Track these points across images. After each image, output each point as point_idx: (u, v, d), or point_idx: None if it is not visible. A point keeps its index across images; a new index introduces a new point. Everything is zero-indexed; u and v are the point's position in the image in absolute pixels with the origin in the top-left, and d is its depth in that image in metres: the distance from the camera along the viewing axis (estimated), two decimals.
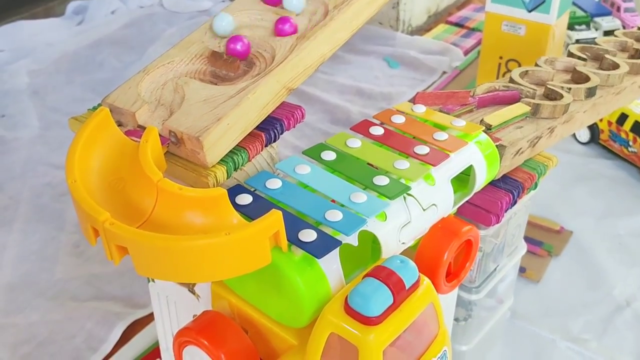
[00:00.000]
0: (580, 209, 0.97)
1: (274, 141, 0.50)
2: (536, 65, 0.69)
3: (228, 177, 0.47)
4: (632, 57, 0.73)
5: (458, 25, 1.52)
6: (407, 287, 0.40)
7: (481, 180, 0.53)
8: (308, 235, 0.41)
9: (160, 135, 0.45)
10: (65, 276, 0.85)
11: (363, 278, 0.40)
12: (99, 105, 0.50)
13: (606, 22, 1.31)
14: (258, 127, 0.49)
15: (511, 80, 0.65)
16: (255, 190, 0.46)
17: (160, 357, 0.71)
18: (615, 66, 0.68)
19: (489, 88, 0.63)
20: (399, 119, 0.55)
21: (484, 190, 0.55)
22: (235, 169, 0.47)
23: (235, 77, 0.51)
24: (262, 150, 0.49)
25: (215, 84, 0.50)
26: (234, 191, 0.45)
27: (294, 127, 0.51)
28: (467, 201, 0.54)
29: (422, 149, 0.50)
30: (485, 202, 0.55)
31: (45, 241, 0.90)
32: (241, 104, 0.47)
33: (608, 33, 1.27)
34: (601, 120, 1.05)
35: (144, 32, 1.51)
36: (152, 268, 0.38)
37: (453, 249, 0.49)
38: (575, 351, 0.76)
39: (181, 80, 0.50)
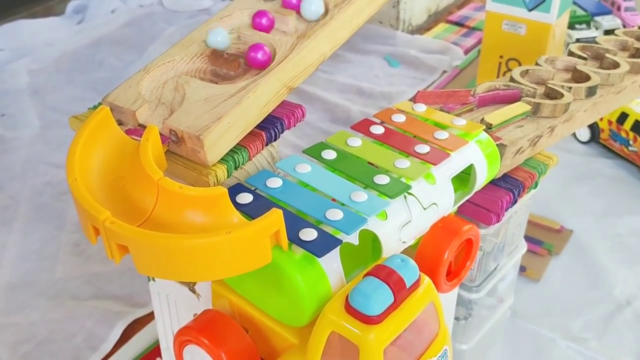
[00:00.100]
0: (581, 208, 0.97)
1: (275, 140, 0.50)
2: (536, 64, 0.69)
3: (228, 176, 0.47)
4: (632, 56, 0.73)
5: (458, 24, 1.52)
6: (407, 286, 0.40)
7: (482, 179, 0.53)
8: (308, 234, 0.41)
9: (160, 134, 0.45)
10: (65, 275, 0.85)
11: (364, 277, 0.40)
12: (100, 104, 0.50)
13: (606, 21, 1.31)
14: (258, 126, 0.49)
15: (512, 79, 0.65)
16: (255, 189, 0.46)
17: (160, 356, 0.71)
18: (616, 65, 0.68)
19: (490, 87, 0.63)
20: (399, 118, 0.55)
21: (484, 189, 0.55)
22: (236, 168, 0.47)
23: (236, 76, 0.51)
24: (262, 149, 0.49)
25: (216, 83, 0.50)
26: (235, 190, 0.45)
27: (294, 126, 0.51)
28: (467, 200, 0.54)
29: (423, 148, 0.50)
30: (486, 201, 0.55)
31: (46, 240, 0.90)
32: (242, 103, 0.47)
33: (608, 32, 1.27)
34: (601, 119, 1.05)
35: (144, 31, 1.51)
36: (152, 267, 0.38)
37: (453, 248, 0.49)
38: (576, 350, 0.76)
39: (182, 79, 0.50)
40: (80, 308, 0.80)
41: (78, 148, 0.42)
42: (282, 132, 0.50)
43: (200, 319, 0.44)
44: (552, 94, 0.63)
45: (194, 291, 0.51)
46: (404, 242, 0.47)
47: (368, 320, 0.38)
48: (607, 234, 0.92)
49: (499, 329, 0.73)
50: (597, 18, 1.32)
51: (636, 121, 1.00)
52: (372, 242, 0.48)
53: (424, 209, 0.48)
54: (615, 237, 0.92)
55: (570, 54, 0.72)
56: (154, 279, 0.56)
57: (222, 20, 0.55)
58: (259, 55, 0.50)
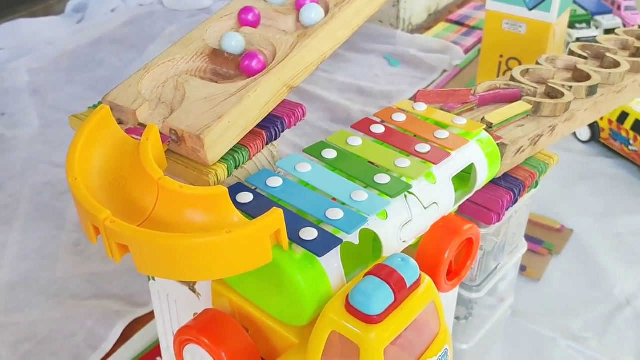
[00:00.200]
0: (581, 208, 0.97)
1: (275, 139, 0.50)
2: (537, 63, 0.68)
3: (229, 175, 0.47)
4: (632, 55, 0.73)
5: (458, 23, 1.52)
6: (408, 286, 0.40)
7: (482, 178, 0.53)
8: (309, 234, 0.41)
9: (160, 133, 0.45)
10: (65, 274, 0.84)
11: (364, 276, 0.40)
12: (100, 103, 0.50)
13: (607, 21, 1.31)
14: (259, 125, 0.49)
15: (512, 79, 0.65)
16: (256, 188, 0.46)
17: (160, 356, 0.71)
18: (616, 64, 0.68)
19: (490, 86, 0.63)
20: (399, 117, 0.54)
21: (485, 189, 0.55)
22: (236, 167, 0.47)
23: (236, 75, 0.51)
24: (263, 148, 0.49)
25: (216, 82, 0.50)
26: (235, 189, 0.45)
27: (294, 125, 0.51)
28: (468, 199, 0.54)
29: (423, 147, 0.50)
30: (486, 201, 0.55)
31: (46, 240, 0.90)
32: (242, 102, 0.47)
33: (608, 31, 1.27)
34: (602, 118, 1.05)
35: (143, 30, 1.51)
36: (152, 266, 0.38)
37: (454, 248, 0.49)
38: (576, 350, 0.76)
39: (182, 78, 0.50)
40: (80, 307, 0.80)
41: (78, 147, 0.42)
42: (282, 131, 0.50)
43: (201, 318, 0.44)
44: (553, 93, 0.63)
45: (194, 290, 0.51)
46: (404, 241, 0.47)
47: (369, 319, 0.38)
48: (607, 233, 0.92)
49: (499, 328, 0.73)
50: (597, 17, 1.32)
51: (636, 120, 1.00)
52: (372, 241, 0.47)
53: (425, 208, 0.48)
54: (615, 237, 0.92)
55: (571, 53, 0.72)
56: (154, 278, 0.56)
57: (222, 19, 0.55)
58: (254, 64, 0.50)
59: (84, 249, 0.88)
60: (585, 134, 1.10)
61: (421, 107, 0.56)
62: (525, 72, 0.66)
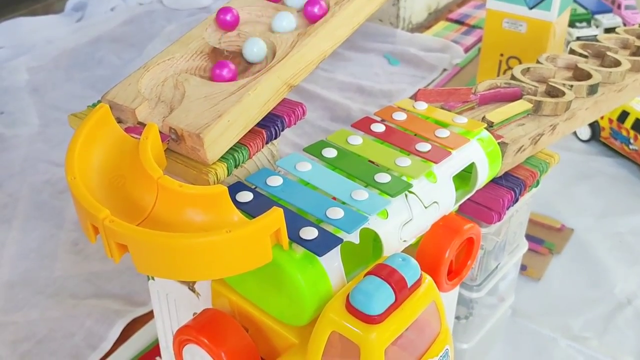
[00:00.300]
0: (581, 207, 0.97)
1: (275, 138, 0.50)
2: (538, 62, 0.68)
3: (228, 174, 0.46)
4: (633, 54, 0.73)
5: (458, 22, 1.52)
6: (409, 286, 0.39)
7: (483, 177, 0.53)
8: (309, 233, 0.41)
9: (160, 132, 0.45)
10: (64, 274, 0.84)
11: (364, 276, 0.40)
12: (99, 102, 0.50)
13: (607, 20, 1.31)
14: (259, 124, 0.49)
15: (513, 78, 0.65)
16: (256, 187, 0.46)
17: (159, 356, 0.70)
18: (617, 63, 0.68)
19: (491, 85, 0.63)
20: (400, 116, 0.54)
21: (485, 188, 0.55)
22: (236, 166, 0.47)
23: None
24: (262, 147, 0.49)
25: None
26: (235, 188, 0.45)
27: (294, 124, 0.51)
28: (468, 199, 0.54)
29: (424, 146, 0.50)
30: (487, 200, 0.55)
31: (45, 239, 0.90)
32: (242, 101, 0.47)
33: (609, 30, 1.27)
34: (602, 117, 1.05)
35: (143, 29, 1.51)
36: (152, 266, 0.38)
37: (454, 247, 0.49)
38: (576, 349, 0.76)
39: (181, 76, 0.50)
40: (79, 307, 0.80)
41: (77, 146, 0.42)
42: (282, 130, 0.50)
43: (200, 318, 0.44)
44: (554, 92, 0.62)
45: (193, 290, 0.50)
46: (404, 240, 0.47)
47: (369, 319, 0.37)
48: (607, 232, 0.92)
49: (499, 328, 0.73)
50: (597, 16, 1.32)
51: (637, 119, 1.00)
52: (372, 240, 0.47)
53: (425, 207, 0.48)
54: (616, 236, 0.92)
55: (571, 52, 0.72)
56: (153, 278, 0.56)
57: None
58: (225, 73, 0.50)
59: (83, 248, 0.88)
60: (585, 133, 1.09)
61: (422, 106, 0.56)
62: (525, 71, 0.66)
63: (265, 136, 0.49)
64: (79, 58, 1.39)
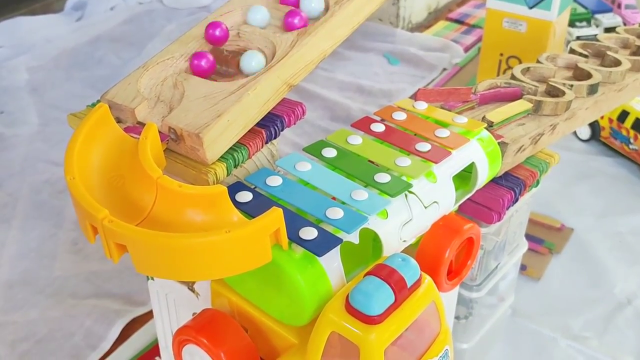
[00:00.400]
0: (581, 207, 0.96)
1: (275, 138, 0.50)
2: (538, 62, 0.68)
3: (228, 174, 0.46)
4: (633, 53, 0.73)
5: (458, 21, 1.52)
6: (408, 286, 0.39)
7: (483, 177, 0.53)
8: (309, 233, 0.41)
9: (159, 131, 0.45)
10: (64, 273, 0.84)
11: (364, 276, 0.40)
12: (98, 101, 0.50)
13: (607, 19, 1.31)
14: (258, 124, 0.49)
15: (513, 77, 0.64)
16: (255, 187, 0.46)
17: (159, 355, 0.70)
18: (617, 63, 0.68)
19: (491, 85, 0.63)
20: (400, 116, 0.54)
21: (485, 188, 0.55)
22: (236, 166, 0.47)
23: (236, 73, 0.51)
24: (262, 147, 0.49)
25: (215, 80, 0.50)
26: (234, 188, 0.45)
27: (294, 123, 0.51)
28: (468, 199, 0.54)
29: (424, 146, 0.50)
30: (487, 200, 0.54)
31: (44, 238, 0.90)
32: (241, 101, 0.46)
33: (609, 30, 1.26)
34: (602, 117, 1.05)
35: (143, 28, 1.51)
36: (151, 266, 0.38)
37: (454, 247, 0.49)
38: (576, 349, 0.76)
39: (181, 76, 0.50)
40: (79, 306, 0.79)
41: (76, 146, 0.42)
42: (282, 130, 0.50)
43: (200, 318, 0.44)
44: (554, 92, 0.62)
45: (193, 290, 0.50)
46: (404, 240, 0.47)
47: (369, 320, 0.37)
48: (607, 232, 0.92)
49: (499, 328, 0.73)
50: (597, 16, 1.32)
51: (637, 119, 0.99)
52: (372, 240, 0.47)
53: (425, 207, 0.48)
54: (615, 236, 0.91)
55: (572, 51, 0.72)
56: (152, 278, 0.56)
57: (222, 17, 0.55)
58: (203, 63, 0.50)
59: (83, 248, 0.88)
60: (585, 132, 1.09)
61: (422, 106, 0.56)
62: (525, 71, 0.66)
63: (264, 136, 0.49)
64: (78, 57, 1.39)
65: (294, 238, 0.41)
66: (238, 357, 0.42)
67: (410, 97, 0.59)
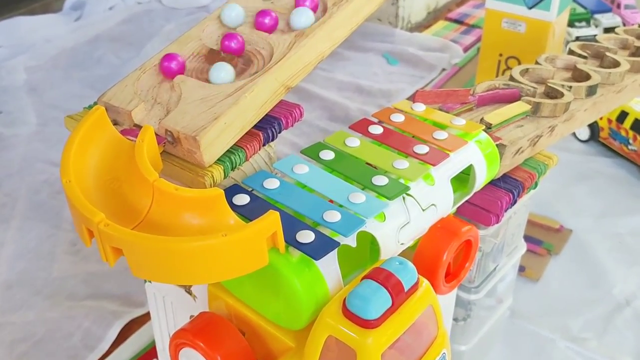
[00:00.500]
0: (580, 208, 0.96)
1: (272, 140, 0.49)
2: (536, 63, 0.68)
3: (225, 176, 0.46)
4: (632, 54, 0.72)
5: (458, 21, 1.52)
6: (405, 290, 0.39)
7: (481, 179, 0.53)
8: (306, 237, 0.41)
9: (156, 134, 0.45)
10: (62, 274, 0.84)
11: (361, 280, 0.40)
12: (95, 103, 0.50)
13: (606, 19, 1.30)
14: (256, 126, 0.49)
15: (511, 79, 0.64)
16: (252, 190, 0.46)
17: (157, 357, 0.70)
18: (616, 64, 0.68)
19: (489, 86, 0.63)
20: (398, 118, 0.54)
21: (483, 190, 0.55)
22: (233, 169, 0.47)
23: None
24: (259, 149, 0.49)
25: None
26: (231, 191, 0.45)
27: (292, 126, 0.51)
28: (466, 201, 0.54)
29: (422, 149, 0.50)
30: (485, 202, 0.54)
31: (42, 239, 0.90)
32: (239, 103, 0.46)
33: (608, 30, 1.26)
34: (601, 118, 1.05)
35: (142, 28, 1.51)
36: (147, 270, 0.38)
37: (452, 249, 0.49)
38: (575, 350, 0.76)
39: (178, 78, 0.49)
40: (77, 307, 0.79)
41: (72, 149, 0.41)
42: (279, 132, 0.50)
43: (196, 321, 0.44)
44: (552, 93, 0.62)
45: (190, 293, 0.50)
46: (402, 243, 0.47)
47: (366, 324, 0.37)
48: (606, 233, 0.92)
49: (498, 329, 0.73)
50: (597, 16, 1.32)
51: (636, 120, 0.99)
52: (370, 243, 0.47)
53: (423, 210, 0.48)
54: (614, 237, 0.91)
55: (571, 52, 0.71)
56: (150, 280, 0.55)
57: (220, 18, 0.55)
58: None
59: (81, 249, 0.88)
60: (584, 133, 1.09)
61: (420, 108, 0.56)
62: (524, 72, 0.66)
63: (262, 138, 0.48)
64: (77, 57, 1.39)
65: (291, 241, 0.40)
66: None
67: (409, 99, 0.59)
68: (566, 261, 0.87)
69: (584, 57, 0.70)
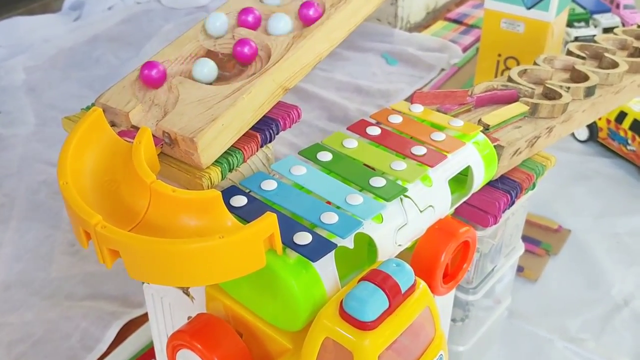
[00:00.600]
0: (579, 208, 0.96)
1: (270, 141, 0.49)
2: (535, 63, 0.68)
3: (223, 178, 0.46)
4: (631, 55, 0.72)
5: (457, 21, 1.52)
6: (403, 291, 0.39)
7: (479, 181, 0.53)
8: (303, 238, 0.41)
9: (154, 135, 0.45)
10: (60, 275, 0.84)
11: (358, 282, 0.40)
12: (93, 104, 0.50)
13: (605, 20, 1.30)
14: (253, 128, 0.49)
15: (509, 79, 0.64)
16: (250, 191, 0.46)
17: (155, 358, 0.70)
18: (615, 65, 0.68)
19: (487, 87, 0.63)
20: (396, 119, 0.54)
21: (481, 191, 0.55)
22: (230, 170, 0.47)
23: (231, 77, 0.51)
24: (257, 150, 0.49)
25: (210, 84, 0.50)
26: (229, 192, 0.45)
27: (289, 127, 0.51)
28: (464, 202, 0.54)
29: (420, 150, 0.50)
30: (483, 203, 0.54)
31: (41, 239, 0.90)
32: (236, 104, 0.46)
33: (607, 30, 1.26)
34: (600, 118, 1.05)
35: (141, 28, 1.50)
36: (144, 272, 0.38)
37: (450, 251, 0.49)
38: (573, 351, 0.76)
39: (175, 79, 0.49)
40: (75, 308, 0.79)
41: (70, 150, 0.41)
42: (277, 134, 0.50)
43: (194, 323, 0.44)
44: (551, 94, 0.62)
45: (188, 294, 0.50)
46: (400, 245, 0.47)
47: (362, 326, 0.37)
48: (605, 233, 0.92)
49: (496, 330, 0.73)
50: (596, 16, 1.32)
51: (635, 120, 0.99)
52: (367, 245, 0.47)
53: (421, 211, 0.48)
54: (613, 237, 0.91)
55: (569, 53, 0.71)
56: None
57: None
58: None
59: (79, 249, 0.88)
60: (583, 133, 1.09)
61: (417, 109, 0.56)
62: (522, 73, 0.66)
63: (259, 140, 0.48)
64: (76, 57, 1.39)
65: (289, 243, 0.40)
66: None
67: (407, 99, 0.59)
68: (565, 261, 0.87)
69: (583, 58, 0.70)
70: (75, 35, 1.46)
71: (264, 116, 0.49)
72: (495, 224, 0.55)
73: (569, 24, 1.26)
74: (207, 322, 0.44)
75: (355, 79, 1.28)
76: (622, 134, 1.02)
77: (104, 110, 0.46)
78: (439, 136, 0.52)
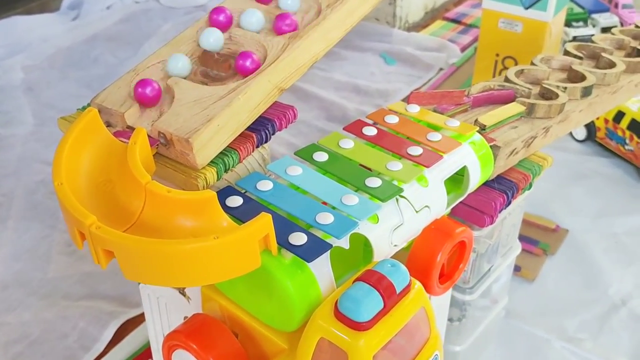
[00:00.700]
0: (576, 208, 0.96)
1: (266, 142, 0.49)
2: (532, 63, 0.68)
3: (218, 178, 0.46)
4: (628, 55, 0.72)
5: (455, 21, 1.52)
6: (397, 292, 0.39)
7: (475, 181, 0.53)
8: (298, 239, 0.41)
9: (149, 136, 0.45)
10: (58, 275, 0.84)
11: (353, 282, 0.40)
12: (89, 105, 0.50)
13: (604, 19, 1.30)
14: (249, 128, 0.49)
15: (506, 80, 0.64)
16: (245, 192, 0.46)
17: (152, 358, 0.70)
18: (612, 65, 0.68)
19: (484, 87, 0.63)
20: (392, 119, 0.54)
21: (477, 191, 0.55)
22: (226, 171, 0.47)
23: (227, 77, 0.51)
24: (253, 151, 0.49)
25: (206, 84, 0.50)
26: (224, 193, 0.45)
27: (285, 127, 0.51)
28: (461, 202, 0.54)
29: (416, 150, 0.50)
30: (479, 203, 0.54)
31: (38, 239, 0.90)
32: (232, 105, 0.46)
33: (605, 30, 1.26)
34: (597, 118, 1.05)
35: (139, 27, 1.50)
36: (139, 273, 0.38)
37: (446, 251, 0.49)
38: (570, 351, 0.76)
39: (171, 80, 0.49)
40: (72, 308, 0.79)
41: (65, 151, 0.41)
42: (273, 134, 0.50)
43: (189, 323, 0.44)
44: (547, 94, 0.62)
45: (184, 294, 0.50)
46: (395, 245, 0.47)
47: (357, 326, 0.37)
48: (603, 233, 0.92)
49: (493, 330, 0.73)
50: (594, 15, 1.32)
51: (633, 120, 0.99)
52: (363, 245, 0.47)
53: (416, 212, 0.48)
54: (611, 237, 0.91)
55: (566, 53, 0.71)
56: None
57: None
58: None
59: (76, 249, 0.87)
60: (581, 133, 1.09)
61: (414, 109, 0.56)
62: (520, 73, 0.66)
63: (255, 140, 0.48)
64: (74, 57, 1.39)
65: (284, 243, 0.40)
66: None
67: (404, 100, 0.59)
68: (562, 261, 0.87)
69: (580, 58, 0.70)
70: (73, 35, 1.46)
71: (260, 116, 0.49)
72: (491, 224, 0.55)
73: (568, 24, 1.26)
74: (202, 322, 0.44)
75: (354, 79, 1.28)
76: (620, 133, 1.02)
77: (99, 111, 0.46)
78: (435, 136, 0.52)
